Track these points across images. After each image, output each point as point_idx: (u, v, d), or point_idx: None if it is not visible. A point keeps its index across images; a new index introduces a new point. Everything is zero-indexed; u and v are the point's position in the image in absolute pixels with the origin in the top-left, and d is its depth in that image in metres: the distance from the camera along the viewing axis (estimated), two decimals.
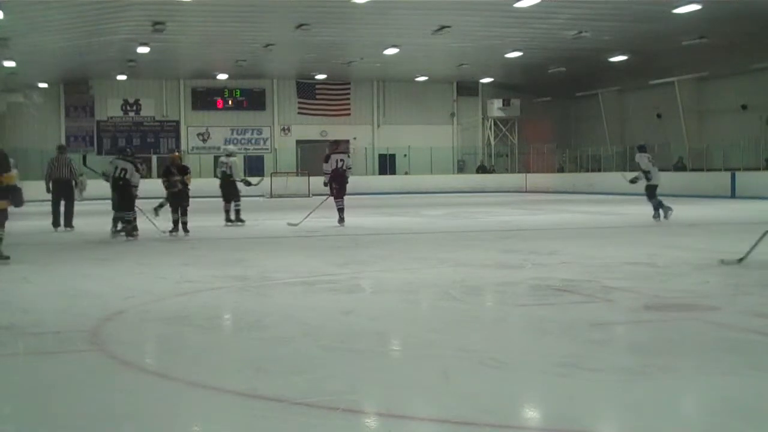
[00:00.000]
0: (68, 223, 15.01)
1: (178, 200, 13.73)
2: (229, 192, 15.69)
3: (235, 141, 36.87)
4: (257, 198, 25.41)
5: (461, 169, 39.61)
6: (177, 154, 15.85)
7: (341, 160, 15.24)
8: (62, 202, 15.10)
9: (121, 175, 13.25)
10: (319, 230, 14.51)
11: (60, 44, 25.86)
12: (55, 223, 15.04)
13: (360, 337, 5.38)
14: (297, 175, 34.28)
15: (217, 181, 16.20)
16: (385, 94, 38.93)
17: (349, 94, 38.27)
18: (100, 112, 36.07)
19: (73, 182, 15.55)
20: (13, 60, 26.59)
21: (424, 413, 3.87)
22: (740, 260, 8.69)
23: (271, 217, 18.06)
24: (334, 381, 4.28)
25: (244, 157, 35.00)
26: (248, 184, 16.52)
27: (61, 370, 4.67)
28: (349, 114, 38.29)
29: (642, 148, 16.05)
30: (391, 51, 29.04)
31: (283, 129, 37.90)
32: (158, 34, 24.79)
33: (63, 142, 35.21)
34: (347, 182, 15.41)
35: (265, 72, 35.05)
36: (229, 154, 16.23)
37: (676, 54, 27.74)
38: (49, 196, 15.24)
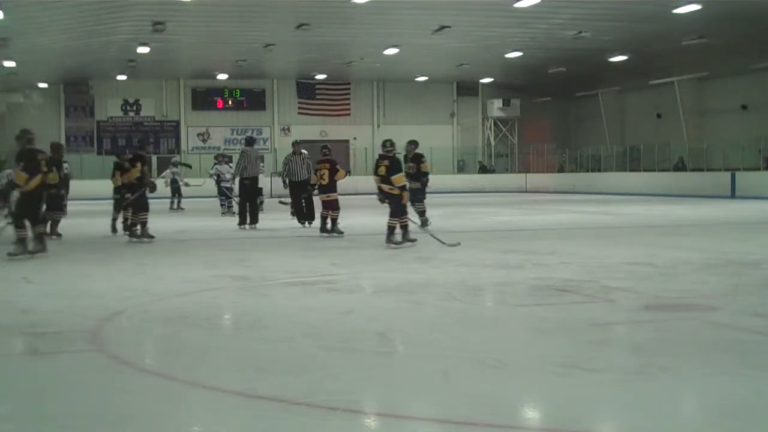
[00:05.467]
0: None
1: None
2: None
3: (235, 141, 36.84)
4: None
5: (461, 169, 39.58)
6: None
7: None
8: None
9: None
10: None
11: (60, 44, 25.83)
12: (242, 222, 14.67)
13: (360, 337, 5.38)
14: None
15: None
16: (385, 94, 38.89)
17: (349, 94, 38.24)
18: (100, 112, 36.04)
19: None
20: (13, 60, 26.57)
21: (424, 413, 3.87)
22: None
23: (271, 217, 18.04)
24: (334, 381, 4.28)
25: None
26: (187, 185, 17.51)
27: (61, 370, 4.67)
28: (348, 114, 38.26)
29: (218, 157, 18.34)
30: (391, 51, 29.02)
31: (283, 129, 37.87)
32: (158, 34, 24.77)
33: (63, 142, 35.29)
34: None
35: (265, 72, 35.02)
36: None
37: (676, 54, 27.72)
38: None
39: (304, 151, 14.78)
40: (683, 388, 4.18)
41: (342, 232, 12.87)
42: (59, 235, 13.13)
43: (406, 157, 13.94)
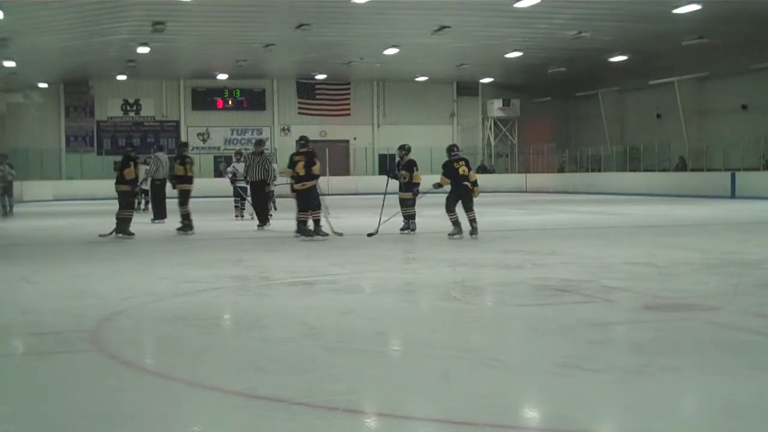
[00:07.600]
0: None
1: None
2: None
3: (235, 141, 36.85)
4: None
5: None
6: None
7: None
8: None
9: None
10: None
11: (60, 44, 25.82)
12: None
13: (360, 337, 5.37)
14: None
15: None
16: (385, 94, 38.87)
17: (349, 94, 38.23)
18: (100, 112, 36.02)
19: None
20: (13, 60, 26.55)
21: (424, 413, 3.87)
22: None
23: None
24: (334, 381, 4.28)
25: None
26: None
27: (61, 370, 4.67)
28: (348, 114, 38.25)
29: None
30: (391, 51, 29.01)
31: (283, 129, 37.86)
32: (158, 34, 24.75)
33: (63, 142, 35.31)
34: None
35: (265, 72, 35.02)
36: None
37: (676, 54, 27.71)
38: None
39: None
40: (683, 388, 4.18)
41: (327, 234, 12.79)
42: (131, 234, 13.15)
43: (398, 163, 13.94)
